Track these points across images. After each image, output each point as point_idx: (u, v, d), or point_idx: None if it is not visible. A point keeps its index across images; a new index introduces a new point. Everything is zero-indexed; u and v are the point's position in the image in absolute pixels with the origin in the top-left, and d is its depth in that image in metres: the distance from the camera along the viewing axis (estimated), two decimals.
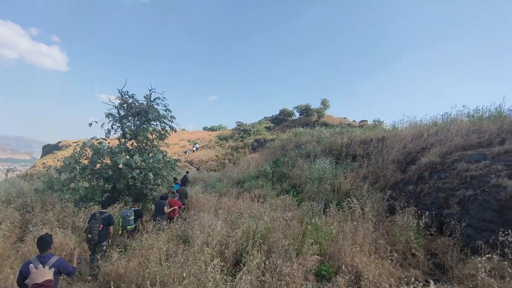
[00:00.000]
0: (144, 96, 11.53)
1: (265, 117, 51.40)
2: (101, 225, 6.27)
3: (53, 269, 2.91)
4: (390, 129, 14.09)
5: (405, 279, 4.90)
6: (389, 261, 5.64)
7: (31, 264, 2.85)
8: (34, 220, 8.17)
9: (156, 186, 11.04)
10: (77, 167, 9.40)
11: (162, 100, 11.81)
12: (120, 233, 7.70)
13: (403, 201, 8.19)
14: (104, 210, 6.63)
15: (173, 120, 12.13)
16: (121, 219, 7.67)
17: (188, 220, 8.23)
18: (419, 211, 7.33)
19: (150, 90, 11.48)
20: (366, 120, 33.93)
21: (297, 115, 40.71)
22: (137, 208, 7.93)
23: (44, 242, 3.86)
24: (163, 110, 11.86)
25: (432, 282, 4.45)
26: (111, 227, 6.59)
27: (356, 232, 6.85)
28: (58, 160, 10.20)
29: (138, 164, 9.91)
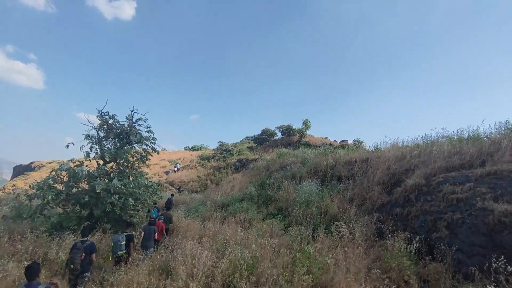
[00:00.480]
0: (126, 117, 11.15)
1: (247, 137, 51.22)
2: (83, 254, 5.95)
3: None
4: (373, 150, 14.27)
5: None
6: None
7: None
8: (0, 252, 7.46)
9: (136, 212, 10.47)
10: (50, 193, 8.78)
11: (145, 121, 11.46)
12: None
13: (391, 224, 8.12)
14: (86, 239, 6.31)
15: (155, 141, 11.76)
16: (112, 244, 7.34)
17: (170, 248, 7.77)
18: (409, 235, 7.24)
19: (132, 111, 11.10)
20: (347, 140, 34.48)
21: (279, 135, 40.80)
22: (128, 233, 7.64)
23: (31, 271, 3.87)
24: (145, 131, 11.50)
25: None
26: (94, 255, 6.28)
27: (347, 259, 6.66)
28: (30, 186, 9.45)
29: (117, 189, 9.39)
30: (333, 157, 14.51)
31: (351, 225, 8.40)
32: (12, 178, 51.25)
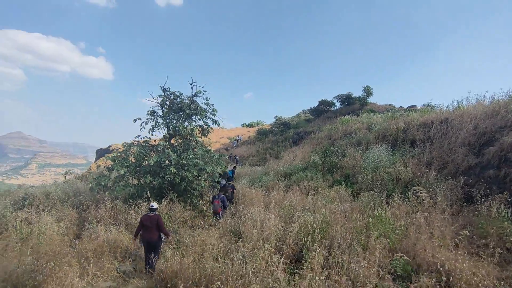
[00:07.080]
0: (180, 93, 11.44)
1: (303, 110, 49.82)
2: (219, 201, 8.85)
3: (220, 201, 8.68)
4: (452, 109, 12.53)
5: (507, 280, 4.02)
6: (482, 258, 4.70)
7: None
8: (90, 218, 8.32)
9: (197, 185, 10.62)
10: (124, 165, 9.55)
11: (203, 94, 11.54)
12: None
13: (483, 188, 7.05)
14: (221, 193, 9.26)
15: (216, 113, 11.81)
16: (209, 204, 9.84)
17: (238, 215, 7.86)
18: (509, 198, 6.19)
19: (191, 84, 11.23)
20: (415, 105, 31.36)
21: (338, 105, 38.76)
22: (222, 195, 9.30)
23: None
24: (204, 103, 11.61)
25: None
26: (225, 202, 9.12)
27: (429, 224, 5.96)
28: (108, 159, 10.43)
29: (179, 161, 9.73)
30: (404, 120, 13.17)
31: (431, 190, 7.53)
32: (95, 160, 57.89)
